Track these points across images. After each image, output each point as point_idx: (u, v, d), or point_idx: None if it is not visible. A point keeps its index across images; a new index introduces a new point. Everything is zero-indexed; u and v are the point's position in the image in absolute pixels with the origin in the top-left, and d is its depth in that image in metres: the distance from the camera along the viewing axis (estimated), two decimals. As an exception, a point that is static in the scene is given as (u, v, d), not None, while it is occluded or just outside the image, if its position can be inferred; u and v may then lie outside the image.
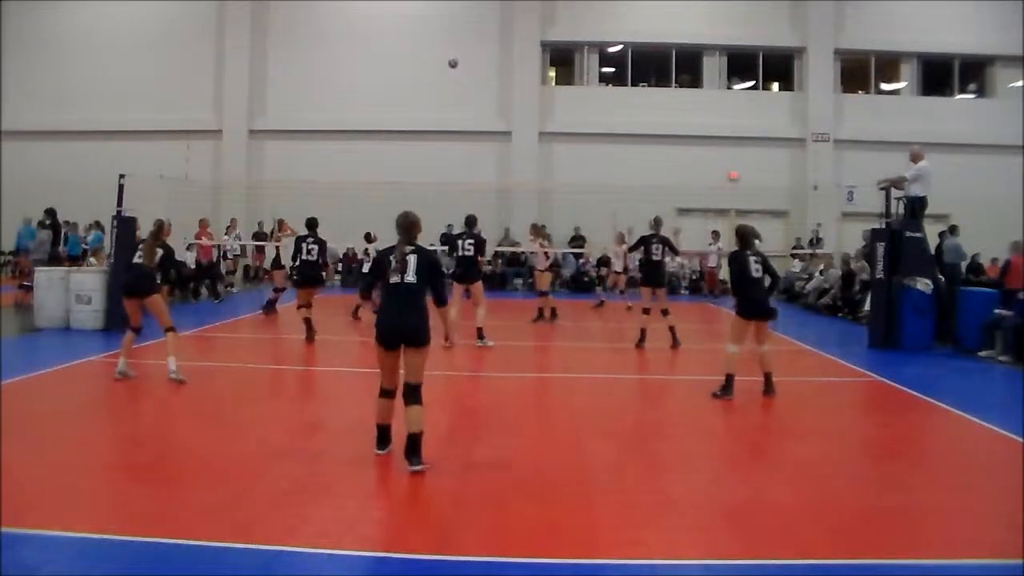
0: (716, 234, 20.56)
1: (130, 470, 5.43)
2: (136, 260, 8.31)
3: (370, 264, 10.64)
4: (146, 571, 3.82)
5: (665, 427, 7.26)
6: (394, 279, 5.39)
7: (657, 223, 11.61)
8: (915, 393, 8.41)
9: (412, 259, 5.42)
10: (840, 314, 15.97)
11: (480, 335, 11.01)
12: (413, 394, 5.36)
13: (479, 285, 11.48)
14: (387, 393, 5.54)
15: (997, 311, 11.10)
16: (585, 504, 4.82)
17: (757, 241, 8.18)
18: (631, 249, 12.43)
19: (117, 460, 5.75)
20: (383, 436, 5.64)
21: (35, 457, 5.47)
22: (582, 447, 6.22)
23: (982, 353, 10.95)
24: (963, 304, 11.73)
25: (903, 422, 7.49)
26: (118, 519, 4.41)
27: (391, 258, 5.46)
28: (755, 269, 7.89)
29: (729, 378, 7.85)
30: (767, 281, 8.04)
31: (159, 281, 8.61)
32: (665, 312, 11.27)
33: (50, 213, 18.74)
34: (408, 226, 5.58)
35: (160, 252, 8.30)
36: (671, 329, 11.20)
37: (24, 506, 4.44)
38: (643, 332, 11.21)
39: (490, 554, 4.07)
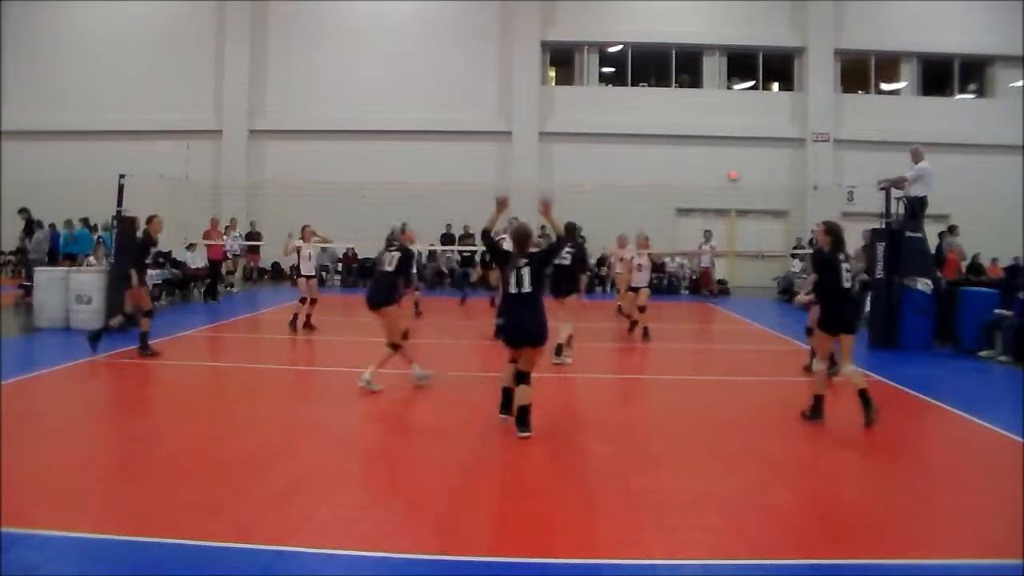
0: (708, 233, 20.50)
1: (130, 470, 5.42)
2: (386, 268, 8.02)
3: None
4: (146, 571, 3.82)
5: (664, 427, 7.25)
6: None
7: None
8: (915, 393, 8.41)
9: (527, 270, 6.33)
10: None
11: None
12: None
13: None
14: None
15: (997, 311, 11.10)
16: (585, 504, 4.82)
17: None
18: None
19: (117, 460, 5.74)
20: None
21: (35, 457, 5.47)
22: (581, 447, 6.22)
23: (982, 353, 10.95)
24: (963, 304, 11.73)
25: (903, 422, 7.48)
26: (118, 519, 4.40)
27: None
28: (846, 277, 7.00)
29: (818, 399, 7.01)
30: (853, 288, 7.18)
31: (398, 288, 8.14)
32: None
33: (23, 211, 18.03)
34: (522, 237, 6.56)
35: (398, 255, 7.98)
36: (569, 338, 9.86)
37: (24, 506, 4.44)
38: (569, 338, 9.97)
39: (490, 554, 4.07)
